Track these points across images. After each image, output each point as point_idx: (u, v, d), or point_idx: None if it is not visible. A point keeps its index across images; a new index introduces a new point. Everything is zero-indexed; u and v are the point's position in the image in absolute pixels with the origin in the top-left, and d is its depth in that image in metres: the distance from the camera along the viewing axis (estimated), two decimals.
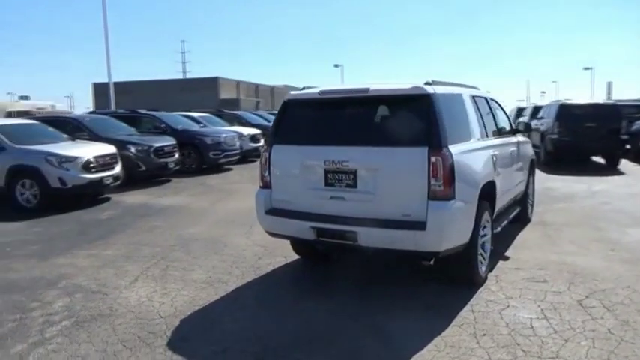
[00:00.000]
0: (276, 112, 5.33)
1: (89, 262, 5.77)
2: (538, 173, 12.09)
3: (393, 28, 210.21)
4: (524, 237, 6.50)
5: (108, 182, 9.60)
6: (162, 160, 11.99)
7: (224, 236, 6.80)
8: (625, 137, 13.76)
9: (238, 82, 58.80)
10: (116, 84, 24.88)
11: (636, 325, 3.83)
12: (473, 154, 4.58)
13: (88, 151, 9.53)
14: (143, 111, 15.39)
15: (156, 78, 57.12)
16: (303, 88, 4.99)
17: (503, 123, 6.29)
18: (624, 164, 13.99)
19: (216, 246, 6.34)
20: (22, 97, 50.05)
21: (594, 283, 4.76)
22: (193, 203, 9.58)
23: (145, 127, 14.21)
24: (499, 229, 5.40)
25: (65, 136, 10.49)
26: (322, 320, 4.12)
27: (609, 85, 53.80)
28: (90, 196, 9.75)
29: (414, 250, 4.18)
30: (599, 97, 42.18)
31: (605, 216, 7.68)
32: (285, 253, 5.75)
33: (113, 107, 22.40)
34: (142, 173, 11.61)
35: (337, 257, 5.76)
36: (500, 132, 5.93)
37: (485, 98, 5.88)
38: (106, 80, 24.20)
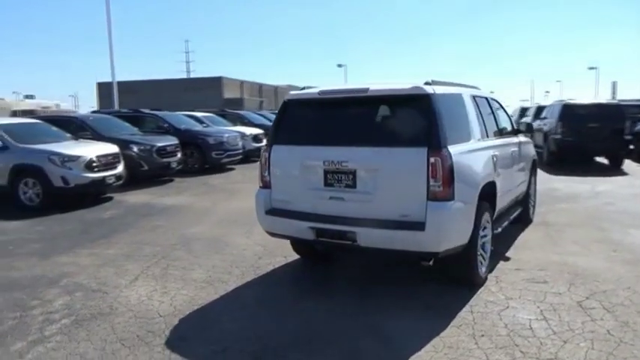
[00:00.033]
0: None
1: (90, 261, 5.79)
2: (541, 173, 12.10)
3: (396, 27, 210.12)
4: (526, 237, 6.48)
5: (110, 181, 9.63)
6: (164, 159, 12.02)
7: (225, 236, 6.81)
8: (629, 137, 13.70)
9: (242, 82, 58.89)
10: (121, 84, 24.99)
11: (636, 327, 3.82)
12: (473, 154, 4.57)
13: (91, 150, 9.56)
14: (146, 110, 15.43)
15: (160, 78, 57.27)
16: (303, 88, 5.00)
17: (505, 123, 6.28)
18: (628, 164, 13.94)
19: (217, 245, 6.35)
20: (27, 97, 50.35)
21: (595, 284, 4.74)
22: (195, 203, 9.60)
23: (148, 126, 14.25)
24: (500, 229, 5.39)
25: (68, 135, 10.53)
26: (322, 320, 4.12)
27: (614, 84, 53.38)
28: (92, 195, 9.78)
29: (413, 251, 4.18)
30: (604, 97, 42.01)
31: (608, 216, 7.65)
32: (285, 253, 5.75)
33: (117, 107, 22.50)
34: (145, 173, 11.64)
35: (337, 257, 5.76)
36: (501, 132, 5.92)
37: (486, 98, 5.86)
38: (110, 80, 24.28)
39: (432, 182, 4.04)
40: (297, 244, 5.39)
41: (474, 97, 5.27)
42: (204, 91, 50.28)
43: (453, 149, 4.14)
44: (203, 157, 13.91)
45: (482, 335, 3.75)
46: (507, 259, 5.54)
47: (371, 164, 4.29)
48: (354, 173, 4.35)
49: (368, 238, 4.23)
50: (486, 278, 4.87)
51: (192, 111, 18.60)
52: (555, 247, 6.00)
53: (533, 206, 7.51)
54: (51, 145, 9.37)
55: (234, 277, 5.16)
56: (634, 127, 14.43)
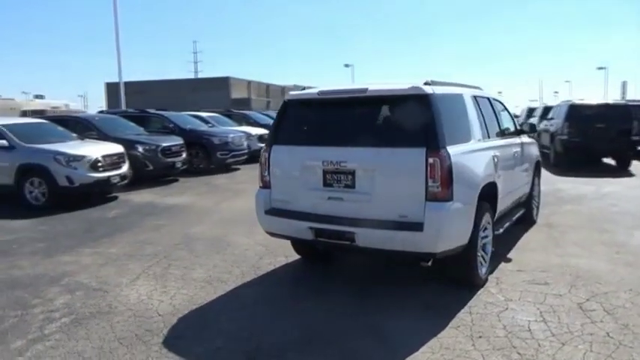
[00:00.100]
0: None
1: (93, 260, 5.83)
2: (547, 174, 12.05)
3: (399, 26, 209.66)
4: (529, 239, 6.45)
5: (115, 181, 9.68)
6: (169, 159, 12.08)
7: (227, 235, 6.83)
8: (636, 138, 13.54)
9: (249, 82, 58.96)
10: (129, 84, 25.14)
11: (636, 329, 3.78)
12: (472, 154, 4.55)
13: (96, 150, 9.63)
14: (152, 111, 15.51)
15: (168, 78, 57.51)
16: (304, 89, 5.00)
17: (507, 124, 6.25)
18: (635, 165, 13.81)
19: (218, 245, 6.37)
20: (37, 97, 50.63)
21: (596, 286, 4.70)
22: (199, 202, 9.64)
23: (154, 126, 14.31)
24: (501, 230, 5.37)
25: (74, 135, 10.60)
26: (321, 320, 4.12)
27: (624, 84, 52.88)
28: (98, 194, 9.84)
29: (412, 251, 4.17)
30: (614, 97, 41.68)
31: (612, 218, 7.59)
32: (286, 253, 5.75)
33: (124, 107, 22.62)
34: (150, 172, 11.69)
35: (338, 257, 5.76)
36: (503, 133, 5.89)
37: (488, 99, 5.83)
38: (118, 80, 24.43)
39: (430, 183, 4.03)
40: (298, 244, 5.40)
41: (475, 98, 5.25)
42: (212, 92, 50.37)
43: (452, 150, 4.13)
44: (208, 157, 13.94)
45: (480, 336, 3.73)
46: (509, 260, 5.51)
47: (370, 164, 4.28)
48: (352, 173, 4.35)
49: (366, 238, 4.23)
50: (487, 279, 4.85)
51: (198, 111, 18.67)
52: (558, 249, 5.96)
53: (537, 207, 7.47)
54: (56, 144, 9.44)
55: (234, 277, 5.17)
56: None
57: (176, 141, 12.60)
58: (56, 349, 3.68)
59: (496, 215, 5.20)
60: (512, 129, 6.37)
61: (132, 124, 13.14)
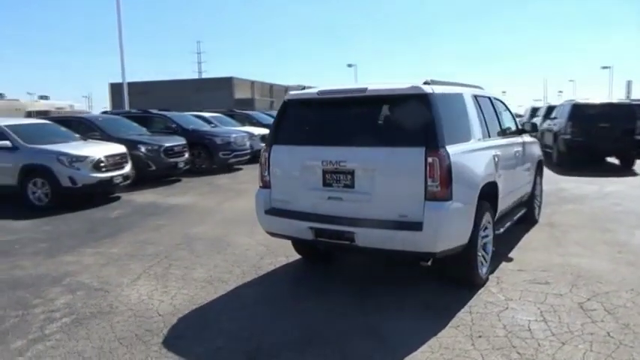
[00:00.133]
0: None
1: (94, 260, 5.85)
2: (550, 174, 12.01)
3: (406, 26, 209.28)
4: (530, 238, 6.43)
5: (117, 181, 9.71)
6: (172, 159, 12.10)
7: (228, 235, 6.84)
8: None
9: (253, 82, 58.98)
10: (133, 84, 25.23)
11: (637, 329, 3.76)
12: (472, 154, 4.53)
13: (99, 150, 9.66)
14: (155, 111, 15.54)
15: (172, 78, 57.60)
16: (304, 88, 5.00)
17: (508, 123, 6.23)
18: (639, 165, 13.74)
19: (219, 245, 6.38)
20: (42, 97, 50.80)
21: (598, 285, 4.68)
22: (201, 202, 9.65)
23: (157, 126, 14.34)
24: (502, 230, 5.35)
25: (77, 135, 10.64)
26: (321, 320, 4.12)
27: (629, 84, 52.65)
28: (101, 194, 9.87)
29: (411, 251, 4.16)
30: (619, 97, 41.48)
31: (615, 217, 7.56)
32: (287, 253, 5.76)
33: (127, 107, 22.68)
34: (152, 172, 11.73)
35: (339, 257, 5.76)
36: (504, 132, 5.87)
37: (489, 98, 5.82)
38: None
39: (429, 182, 4.02)
40: (298, 244, 5.40)
41: (475, 97, 5.23)
42: (216, 92, 50.41)
43: (452, 149, 4.12)
44: (210, 158, 13.96)
45: (480, 336, 3.72)
46: (510, 259, 5.50)
47: (369, 164, 4.28)
48: (352, 173, 4.35)
49: (366, 238, 4.23)
50: (487, 279, 4.84)
51: (201, 111, 18.69)
52: (559, 248, 5.94)
53: (539, 207, 7.44)
54: (59, 145, 9.48)
55: (235, 277, 5.18)
56: None
57: (178, 141, 12.63)
58: (56, 349, 3.69)
59: (497, 215, 5.19)
60: (513, 128, 6.35)
61: (135, 124, 13.18)
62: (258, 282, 5.10)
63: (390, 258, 5.39)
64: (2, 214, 8.59)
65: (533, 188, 6.93)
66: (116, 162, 9.83)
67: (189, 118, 15.55)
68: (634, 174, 12.61)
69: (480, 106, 5.23)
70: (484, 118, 5.23)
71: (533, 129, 6.89)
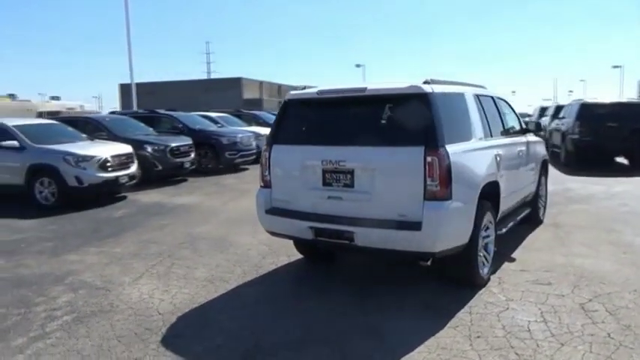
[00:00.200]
0: None
1: (98, 259, 5.89)
2: (558, 174, 11.93)
3: (410, 24, 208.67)
4: (534, 238, 6.38)
5: (123, 181, 9.78)
6: (178, 159, 12.16)
7: (231, 235, 6.87)
8: None
9: (261, 83, 59.12)
10: (143, 85, 25.40)
11: (638, 330, 3.72)
12: (473, 153, 4.51)
13: (105, 150, 9.73)
14: (161, 111, 15.62)
15: (182, 79, 57.85)
16: (304, 88, 5.00)
17: (512, 122, 6.19)
18: None
19: (222, 245, 6.40)
20: (53, 98, 51.23)
21: (600, 286, 4.64)
22: (206, 202, 9.69)
23: (164, 127, 14.41)
24: (504, 230, 5.32)
25: (84, 135, 10.73)
26: (321, 320, 4.12)
27: None
28: (107, 194, 9.94)
29: (410, 251, 4.15)
30: (629, 96, 41.02)
31: (621, 218, 7.48)
32: (289, 253, 5.76)
33: (135, 108, 22.83)
34: (159, 172, 11.78)
35: (340, 257, 5.75)
36: (507, 132, 5.83)
37: (492, 97, 5.78)
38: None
39: (429, 182, 4.00)
40: (299, 243, 5.40)
41: (477, 96, 5.20)
42: (224, 92, 50.56)
43: (451, 148, 4.10)
44: (217, 157, 14.01)
45: (479, 336, 3.70)
46: (512, 259, 5.46)
47: (368, 164, 4.27)
48: (351, 173, 4.34)
49: (365, 237, 4.22)
50: (489, 279, 4.81)
51: (209, 111, 18.76)
52: (563, 249, 5.90)
53: (544, 207, 7.39)
54: (66, 145, 9.55)
55: (236, 276, 5.19)
56: None
57: (185, 141, 12.68)
58: (56, 346, 3.72)
59: (499, 215, 5.16)
60: (517, 128, 6.30)
61: (141, 124, 13.26)
62: (260, 281, 5.11)
63: (389, 257, 5.37)
64: (10, 213, 8.68)
65: (538, 188, 6.87)
66: (122, 162, 9.89)
67: (195, 118, 15.61)
68: None
69: (482, 106, 5.20)
70: (486, 117, 5.20)
71: (538, 128, 6.83)
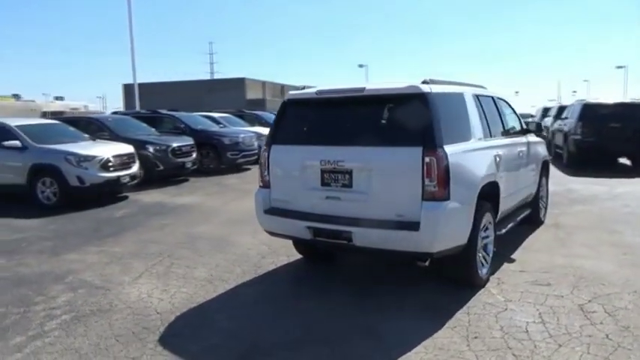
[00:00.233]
0: None
1: (98, 259, 5.90)
2: (559, 175, 11.90)
3: (412, 24, 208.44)
4: (534, 239, 6.36)
5: (125, 181, 9.80)
6: (180, 159, 12.18)
7: (231, 235, 6.87)
8: None
9: (264, 83, 59.13)
10: (146, 85, 25.46)
11: (636, 332, 3.71)
12: (472, 154, 4.50)
13: (106, 150, 9.75)
14: (163, 111, 15.65)
15: (185, 79, 57.93)
16: (303, 88, 5.00)
17: (512, 123, 6.17)
18: None
19: (222, 245, 6.41)
20: (57, 98, 51.44)
21: (600, 287, 4.62)
22: (208, 202, 9.70)
23: (166, 127, 14.43)
24: (504, 231, 5.31)
25: (86, 135, 10.76)
26: (320, 320, 4.12)
27: None
28: (108, 194, 9.97)
29: (408, 251, 4.14)
30: (633, 97, 40.85)
31: (623, 219, 7.45)
32: (289, 253, 5.76)
33: (138, 108, 22.88)
34: (160, 172, 11.81)
35: (339, 257, 5.75)
36: (507, 132, 5.82)
37: (492, 98, 5.77)
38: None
39: (427, 182, 4.00)
40: (299, 243, 5.41)
41: (476, 97, 5.19)
42: (227, 92, 50.59)
43: (450, 149, 4.09)
44: (218, 158, 14.02)
45: (476, 337, 3.69)
46: (512, 260, 5.45)
47: (367, 164, 4.27)
48: (350, 173, 4.34)
49: (363, 237, 4.21)
50: (488, 280, 4.80)
51: (211, 112, 18.79)
52: (563, 249, 5.88)
53: (545, 208, 7.36)
54: (68, 145, 9.58)
55: (235, 276, 5.20)
56: None
57: (186, 141, 12.71)
58: (54, 345, 3.74)
59: (499, 215, 5.14)
60: (517, 128, 6.29)
61: (143, 124, 13.29)
62: (259, 281, 5.11)
63: (387, 258, 5.37)
64: (12, 212, 8.71)
65: (538, 189, 6.85)
66: (124, 162, 9.91)
67: (197, 119, 15.63)
68: None
69: (481, 106, 5.19)
70: (486, 117, 5.19)
71: (538, 129, 6.81)
